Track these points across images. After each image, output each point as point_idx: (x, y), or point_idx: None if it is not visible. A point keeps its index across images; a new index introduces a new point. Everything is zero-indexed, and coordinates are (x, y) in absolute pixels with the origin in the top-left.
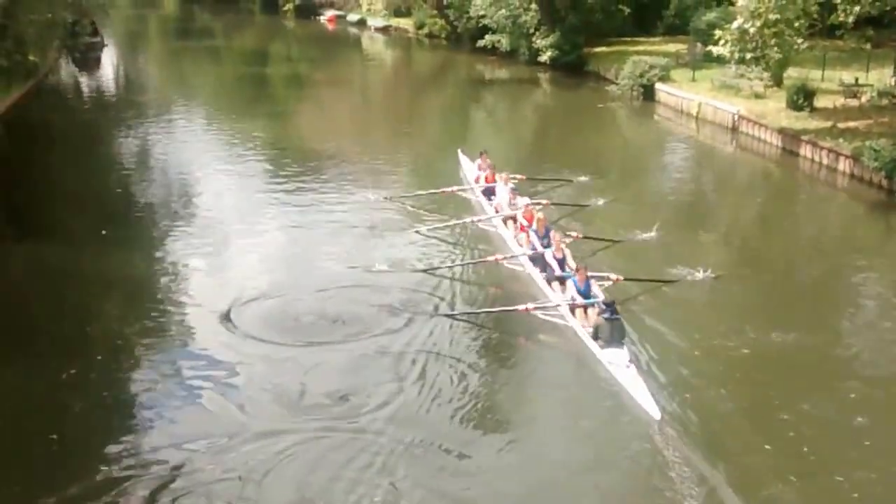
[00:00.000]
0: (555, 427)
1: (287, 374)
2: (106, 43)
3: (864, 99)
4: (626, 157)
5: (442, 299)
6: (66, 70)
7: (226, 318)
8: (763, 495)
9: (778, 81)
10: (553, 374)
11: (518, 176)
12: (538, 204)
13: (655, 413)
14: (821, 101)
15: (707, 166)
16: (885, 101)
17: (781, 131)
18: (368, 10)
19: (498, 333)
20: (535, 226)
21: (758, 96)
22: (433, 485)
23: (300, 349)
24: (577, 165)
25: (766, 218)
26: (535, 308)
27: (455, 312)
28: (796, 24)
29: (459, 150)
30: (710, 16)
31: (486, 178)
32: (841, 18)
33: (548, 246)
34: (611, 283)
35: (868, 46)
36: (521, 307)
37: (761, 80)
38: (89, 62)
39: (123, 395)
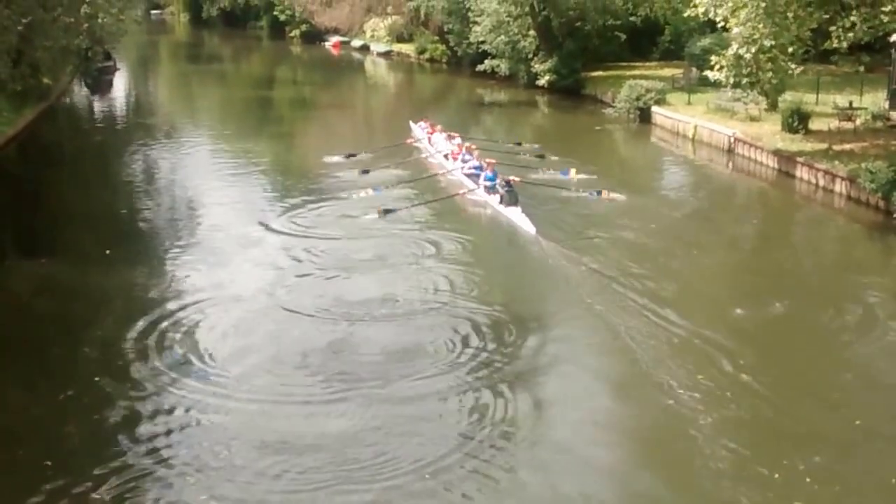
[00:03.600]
0: (477, 244)
1: (290, 396)
2: (118, 67)
3: (858, 122)
4: (624, 176)
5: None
6: (79, 93)
7: (228, 343)
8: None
9: (773, 105)
10: (477, 224)
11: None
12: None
13: (532, 230)
14: (815, 124)
15: (704, 186)
16: (879, 124)
17: (777, 153)
18: (372, 36)
19: (445, 210)
20: (463, 151)
21: (753, 119)
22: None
23: (308, 372)
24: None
25: (765, 234)
26: (466, 193)
27: (419, 203)
28: (791, 50)
29: (410, 122)
30: (705, 41)
31: (429, 133)
32: (835, 44)
33: (471, 160)
34: (517, 180)
35: (862, 70)
36: (458, 193)
37: (757, 104)
38: (102, 85)
39: (118, 421)
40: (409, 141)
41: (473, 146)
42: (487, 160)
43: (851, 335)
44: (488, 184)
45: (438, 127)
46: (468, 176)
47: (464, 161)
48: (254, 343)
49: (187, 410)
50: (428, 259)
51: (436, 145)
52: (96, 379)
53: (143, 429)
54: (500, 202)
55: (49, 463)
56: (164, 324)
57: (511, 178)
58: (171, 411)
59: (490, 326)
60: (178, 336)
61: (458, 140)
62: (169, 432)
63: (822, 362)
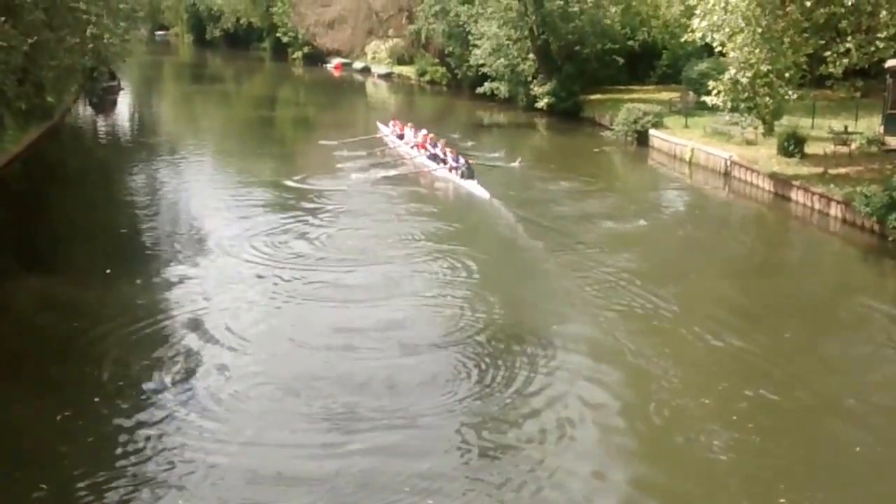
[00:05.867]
0: (440, 207)
1: (290, 424)
2: (122, 86)
3: (853, 146)
4: (621, 199)
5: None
6: (84, 112)
7: (228, 365)
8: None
9: (770, 129)
10: (441, 194)
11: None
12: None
13: (485, 195)
14: (811, 148)
15: (700, 209)
16: (874, 149)
17: (773, 177)
18: (373, 58)
19: (414, 185)
20: (429, 141)
21: (749, 143)
22: None
23: (307, 394)
24: (577, 208)
25: (762, 257)
26: (431, 171)
27: (391, 174)
28: (787, 75)
29: (378, 122)
30: (702, 66)
31: (399, 129)
32: (830, 70)
33: (436, 148)
34: (472, 161)
35: (857, 95)
36: (423, 169)
37: (754, 128)
38: (106, 104)
39: (115, 443)
40: (378, 136)
41: (441, 139)
42: (450, 147)
43: (854, 358)
44: (453, 164)
45: (409, 124)
46: (433, 159)
47: (431, 148)
48: (253, 364)
49: (186, 435)
50: (406, 218)
51: (406, 138)
52: (95, 399)
53: (140, 453)
54: (461, 177)
55: (45, 486)
56: (164, 344)
57: (469, 159)
58: (169, 435)
59: (433, 237)
60: (177, 357)
61: (423, 131)
62: (166, 457)
63: (828, 386)
